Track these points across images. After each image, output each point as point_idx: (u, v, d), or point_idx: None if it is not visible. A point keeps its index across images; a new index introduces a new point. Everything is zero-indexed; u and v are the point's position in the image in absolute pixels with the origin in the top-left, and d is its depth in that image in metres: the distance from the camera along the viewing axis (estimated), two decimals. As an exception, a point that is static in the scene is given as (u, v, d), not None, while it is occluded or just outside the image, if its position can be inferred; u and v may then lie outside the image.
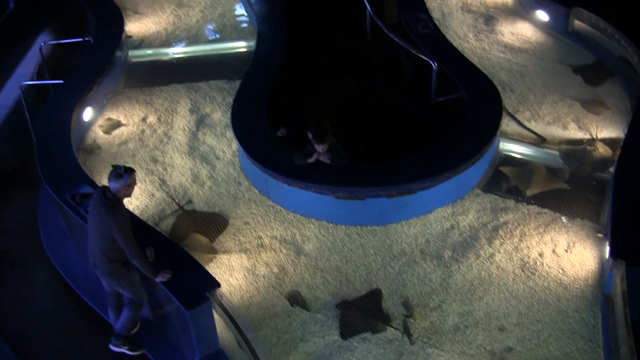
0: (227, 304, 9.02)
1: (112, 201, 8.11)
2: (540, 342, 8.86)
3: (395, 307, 9.42)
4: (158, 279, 8.49)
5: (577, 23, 14.34)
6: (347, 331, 9.15)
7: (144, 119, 12.89)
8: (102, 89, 13.22)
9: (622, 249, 8.90)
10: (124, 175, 8.06)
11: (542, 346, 8.81)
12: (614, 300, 8.64)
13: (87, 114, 12.62)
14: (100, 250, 8.30)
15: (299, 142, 10.67)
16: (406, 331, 9.08)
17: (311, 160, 10.31)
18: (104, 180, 10.98)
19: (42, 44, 15.04)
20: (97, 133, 12.62)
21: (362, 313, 9.33)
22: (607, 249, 9.28)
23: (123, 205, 8.27)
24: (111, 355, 8.97)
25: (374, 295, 9.57)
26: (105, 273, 8.47)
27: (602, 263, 9.68)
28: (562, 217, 10.48)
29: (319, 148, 10.15)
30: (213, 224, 10.62)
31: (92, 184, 10.13)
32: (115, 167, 8.14)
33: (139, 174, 11.48)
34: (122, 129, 12.69)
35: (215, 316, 8.59)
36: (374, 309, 9.40)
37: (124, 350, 8.88)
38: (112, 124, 12.77)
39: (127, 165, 8.33)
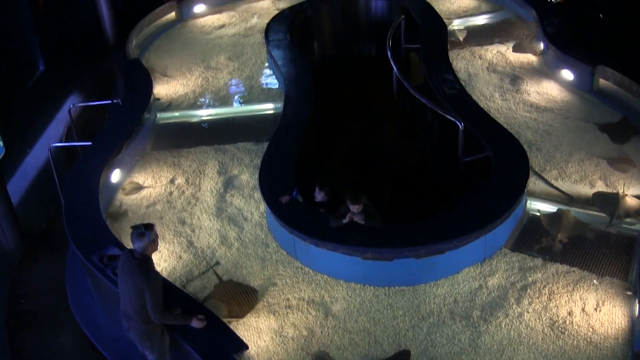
0: (255, 366, 9.05)
1: (142, 261, 8.20)
2: (571, 402, 8.75)
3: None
4: (194, 324, 8.58)
5: (602, 81, 14.41)
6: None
7: (172, 181, 12.99)
8: (131, 151, 13.37)
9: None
10: (146, 232, 8.18)
11: (573, 406, 8.71)
12: (644, 357, 8.57)
13: (115, 175, 12.73)
14: (135, 312, 8.34)
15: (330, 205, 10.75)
16: None
17: (345, 220, 10.33)
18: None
19: (72, 106, 15.31)
20: (123, 197, 12.70)
21: None
22: (637, 306, 9.24)
23: (153, 263, 8.35)
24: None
25: (403, 356, 9.49)
26: (140, 335, 8.48)
27: (632, 321, 9.58)
28: (591, 276, 10.38)
29: (354, 208, 10.18)
30: (244, 298, 10.46)
31: (120, 245, 10.19)
32: (134, 227, 8.29)
33: (167, 236, 11.58)
34: (149, 190, 12.78)
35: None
36: None
37: None
38: (134, 187, 12.86)
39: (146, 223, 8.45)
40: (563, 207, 11.59)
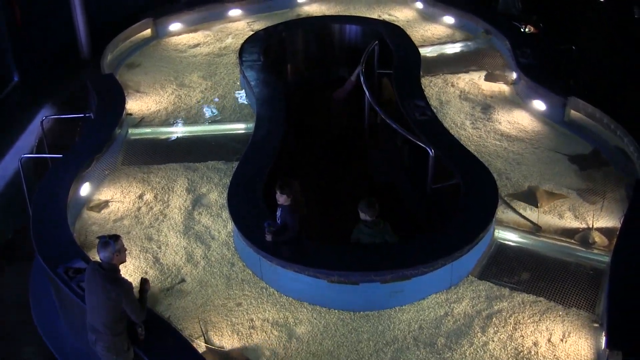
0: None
1: (111, 271, 8.19)
2: None
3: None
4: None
5: (574, 113, 14.54)
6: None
7: (140, 197, 12.91)
8: (101, 165, 13.28)
9: (618, 340, 8.83)
10: (110, 242, 8.22)
11: None
12: (611, 391, 8.58)
13: (85, 189, 12.64)
14: (103, 325, 8.30)
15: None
16: None
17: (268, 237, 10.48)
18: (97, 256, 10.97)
19: (44, 118, 15.22)
20: (89, 212, 12.60)
21: None
22: (604, 339, 9.22)
23: (120, 272, 8.34)
24: None
25: None
26: (107, 348, 8.43)
27: (598, 353, 9.58)
28: (558, 306, 10.40)
29: (279, 199, 10.28)
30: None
31: (86, 258, 10.10)
32: (100, 237, 8.36)
33: (134, 252, 11.49)
34: (117, 205, 12.69)
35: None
36: None
37: None
38: (100, 203, 12.75)
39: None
40: (531, 236, 11.64)
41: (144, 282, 8.83)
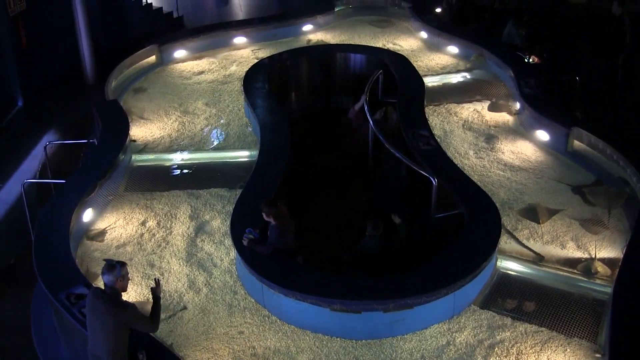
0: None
1: (114, 295, 8.22)
2: None
3: None
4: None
5: (577, 143, 14.55)
6: None
7: (143, 223, 12.93)
8: (104, 191, 13.31)
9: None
10: (117, 265, 8.26)
11: None
12: None
13: (87, 215, 12.66)
14: (104, 351, 8.29)
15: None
16: None
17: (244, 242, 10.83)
18: (100, 282, 10.96)
19: (47, 143, 15.28)
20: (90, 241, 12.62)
21: None
22: (606, 369, 9.20)
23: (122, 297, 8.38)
24: None
25: None
26: None
27: (600, 385, 9.57)
28: (560, 336, 10.37)
29: (267, 217, 10.75)
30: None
31: (88, 284, 10.10)
32: (106, 260, 8.38)
33: (135, 278, 11.49)
34: (119, 231, 12.72)
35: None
36: None
37: None
38: (99, 232, 12.77)
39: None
40: (534, 266, 11.63)
41: (154, 289, 8.78)
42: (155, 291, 8.74)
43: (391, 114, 16.14)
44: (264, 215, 10.87)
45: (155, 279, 8.88)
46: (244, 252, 11.01)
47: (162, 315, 10.59)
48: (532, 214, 12.73)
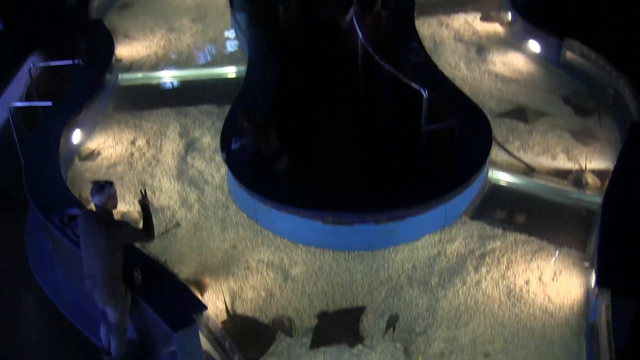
0: (213, 327, 9.02)
1: (106, 216, 8.20)
2: (524, 368, 8.85)
3: (378, 329, 9.44)
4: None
5: (569, 54, 14.44)
6: (318, 342, 9.24)
7: (132, 142, 12.87)
8: (92, 112, 13.19)
9: (608, 279, 8.86)
10: (106, 185, 8.23)
11: (527, 372, 8.80)
12: (599, 329, 8.64)
13: (76, 136, 12.58)
14: (100, 270, 8.29)
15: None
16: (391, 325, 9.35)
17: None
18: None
19: (32, 65, 15.04)
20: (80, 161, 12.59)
21: (338, 327, 9.40)
22: (593, 278, 9.29)
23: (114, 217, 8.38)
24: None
25: (357, 312, 9.64)
26: (105, 293, 8.41)
27: (587, 292, 9.68)
28: (550, 246, 10.47)
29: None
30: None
31: (80, 205, 10.08)
32: (94, 182, 8.35)
33: (127, 197, 11.51)
34: (109, 151, 12.65)
35: (202, 338, 8.56)
36: (351, 325, 9.46)
37: None
38: (89, 153, 12.73)
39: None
40: (524, 177, 11.67)
41: (141, 201, 8.76)
42: (143, 201, 8.72)
43: (382, 14, 15.90)
44: (240, 125, 10.91)
45: (141, 191, 8.86)
46: (235, 167, 11.00)
47: (155, 233, 10.65)
48: (521, 114, 12.83)
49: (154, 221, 8.81)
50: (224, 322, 9.48)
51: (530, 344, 9.12)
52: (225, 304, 9.70)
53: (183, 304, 8.52)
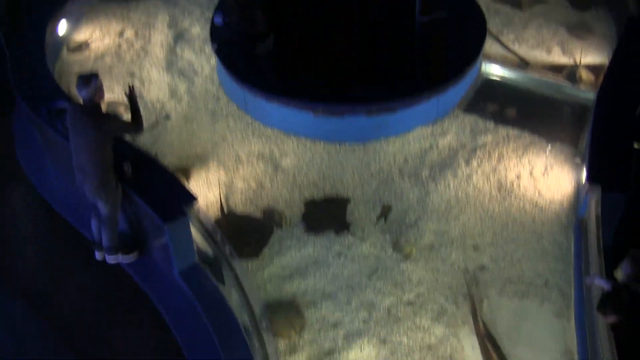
0: (204, 218, 9.04)
1: (94, 108, 8.10)
2: (513, 261, 8.98)
3: (368, 221, 9.50)
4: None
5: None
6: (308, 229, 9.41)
7: (120, 34, 12.63)
8: (77, 2, 12.88)
9: (598, 175, 8.86)
10: (92, 77, 8.09)
11: (515, 265, 8.94)
12: (588, 224, 8.76)
13: (62, 28, 12.33)
14: (90, 163, 8.24)
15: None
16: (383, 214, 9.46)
17: None
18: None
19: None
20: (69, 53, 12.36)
21: (325, 214, 9.52)
22: (584, 173, 9.31)
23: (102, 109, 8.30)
24: (92, 272, 9.12)
25: (342, 202, 9.71)
26: (96, 186, 8.38)
27: (578, 187, 9.73)
28: (541, 141, 10.45)
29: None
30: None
31: (69, 98, 9.93)
32: (80, 76, 8.18)
33: (116, 89, 11.39)
34: (97, 43, 12.44)
35: (192, 230, 8.58)
36: (338, 213, 9.56)
37: (120, 258, 8.92)
38: (76, 46, 12.48)
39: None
40: (519, 71, 11.55)
41: (128, 94, 8.64)
42: (130, 94, 8.60)
43: None
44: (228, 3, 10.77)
45: (128, 84, 8.73)
46: (224, 57, 10.86)
47: (145, 125, 10.57)
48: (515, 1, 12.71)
49: (143, 113, 8.70)
50: (218, 220, 9.51)
51: (520, 238, 9.23)
52: (221, 202, 9.70)
53: (174, 195, 8.49)
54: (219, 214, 9.60)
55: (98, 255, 8.96)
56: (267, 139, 10.58)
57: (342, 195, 9.82)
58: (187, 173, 10.07)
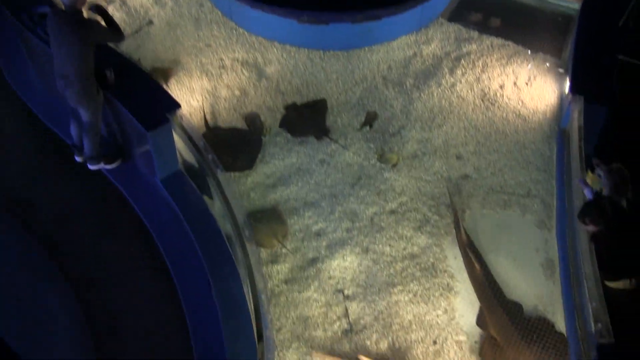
0: (187, 125, 9.03)
1: (75, 14, 7.98)
2: (496, 170, 9.08)
3: (352, 129, 9.58)
4: None
5: None
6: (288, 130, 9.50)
7: (100, -63, 12.37)
8: None
9: (581, 85, 8.92)
10: None
11: (498, 175, 9.04)
12: (570, 134, 8.81)
13: None
14: (71, 70, 8.16)
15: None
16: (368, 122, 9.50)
17: None
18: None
19: None
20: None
21: (305, 119, 9.58)
22: (567, 84, 9.35)
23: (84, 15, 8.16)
24: (76, 181, 9.07)
25: (321, 103, 9.79)
26: (77, 92, 8.32)
27: (561, 98, 9.79)
28: (525, 51, 10.45)
29: None
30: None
31: (50, 3, 9.75)
32: None
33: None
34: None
35: (175, 137, 8.55)
36: (318, 118, 9.64)
37: (102, 166, 8.87)
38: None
39: None
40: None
41: (93, 9, 8.51)
42: (96, 9, 8.45)
43: None
44: None
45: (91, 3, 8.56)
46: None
47: (128, 31, 10.51)
48: None
49: (126, 19, 8.59)
50: (204, 133, 9.51)
51: (503, 148, 9.33)
52: (205, 119, 9.69)
53: (156, 102, 8.45)
54: (204, 128, 9.61)
55: (78, 158, 8.97)
56: (251, 46, 10.52)
57: (323, 101, 9.85)
58: (169, 79, 10.03)
